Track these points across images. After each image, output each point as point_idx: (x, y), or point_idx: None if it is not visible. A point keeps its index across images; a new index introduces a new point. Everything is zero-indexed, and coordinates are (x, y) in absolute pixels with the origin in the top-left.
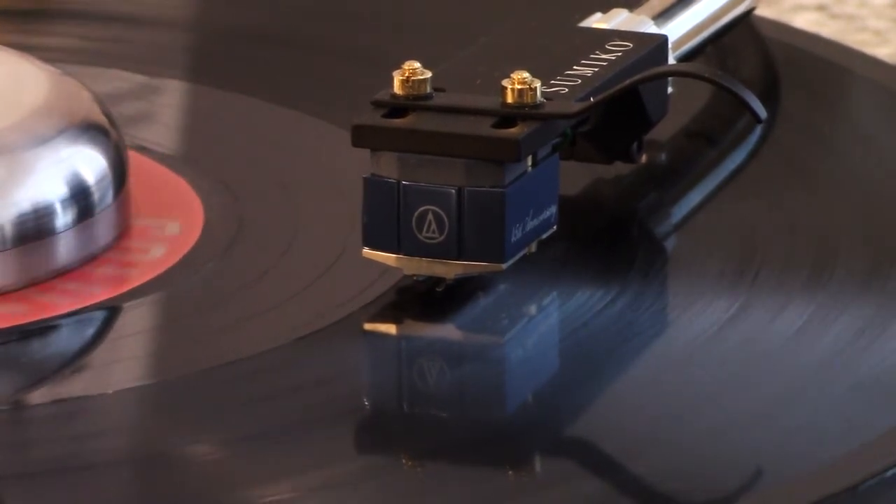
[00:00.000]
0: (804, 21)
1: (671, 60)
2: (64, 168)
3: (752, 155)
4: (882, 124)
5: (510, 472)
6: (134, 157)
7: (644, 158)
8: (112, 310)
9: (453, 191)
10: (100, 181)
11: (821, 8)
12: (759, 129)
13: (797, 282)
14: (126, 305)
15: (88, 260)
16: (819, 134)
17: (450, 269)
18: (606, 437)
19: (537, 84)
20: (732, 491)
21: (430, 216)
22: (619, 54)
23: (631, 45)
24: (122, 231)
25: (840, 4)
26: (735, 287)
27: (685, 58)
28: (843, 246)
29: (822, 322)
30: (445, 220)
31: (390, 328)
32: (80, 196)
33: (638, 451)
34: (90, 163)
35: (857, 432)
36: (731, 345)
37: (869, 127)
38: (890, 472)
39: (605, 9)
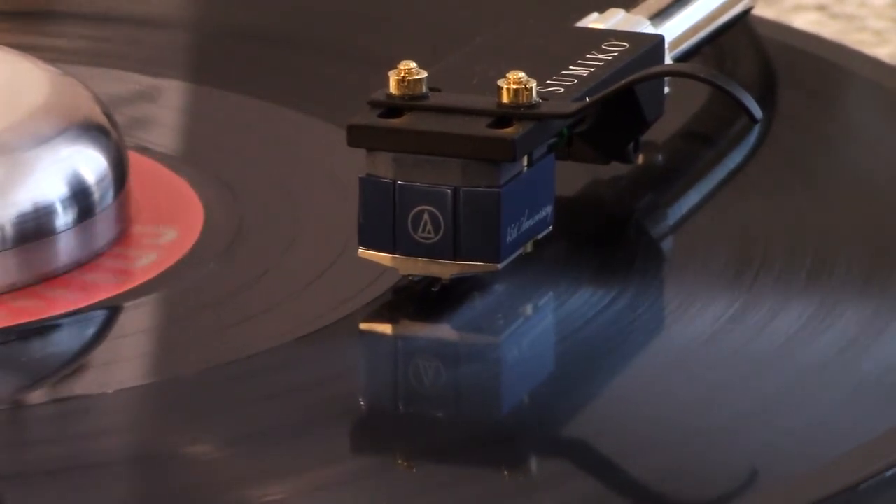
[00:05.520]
0: (804, 21)
1: (668, 60)
2: (64, 168)
3: (751, 155)
4: (882, 124)
5: (507, 473)
6: (134, 157)
7: (640, 158)
8: (112, 309)
9: (449, 191)
10: (100, 181)
11: (821, 8)
12: (757, 130)
13: (796, 282)
14: (126, 305)
15: (89, 260)
16: (818, 134)
17: (445, 269)
18: (604, 438)
19: (533, 84)
20: (732, 491)
21: (425, 216)
22: (616, 54)
23: (627, 45)
24: (123, 231)
25: (840, 4)
26: (734, 287)
27: (682, 58)
28: (842, 246)
29: (821, 322)
30: (441, 219)
31: (387, 328)
32: (81, 196)
33: (636, 451)
34: (90, 163)
35: (857, 432)
36: (729, 345)
37: (868, 127)
38: (890, 473)
39: (601, 9)
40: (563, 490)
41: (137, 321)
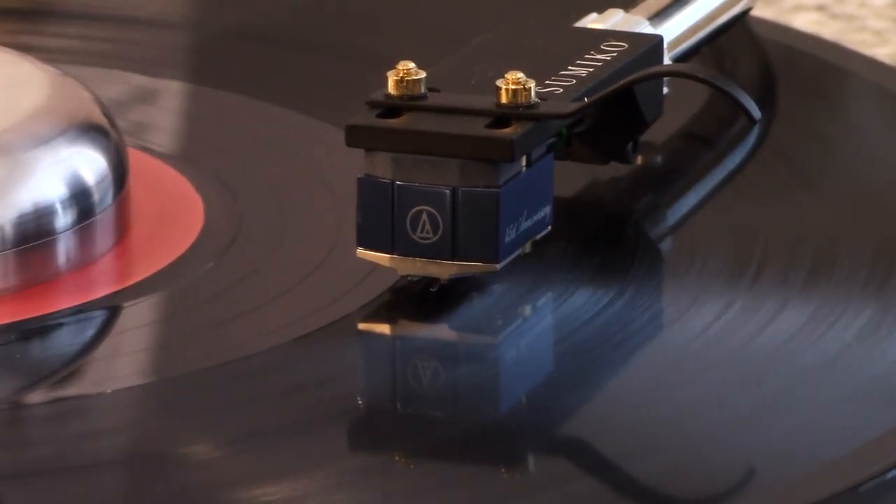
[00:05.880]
0: (804, 21)
1: (667, 61)
2: (64, 169)
3: (750, 155)
4: (882, 124)
5: (505, 473)
6: (134, 158)
7: (639, 159)
8: (111, 310)
9: (447, 191)
10: (100, 182)
11: (821, 8)
12: (756, 130)
13: (796, 282)
14: (125, 305)
15: (88, 260)
16: (817, 134)
17: (444, 270)
18: (603, 438)
19: (531, 84)
20: (731, 491)
21: (424, 216)
22: (615, 55)
23: (626, 46)
24: (123, 231)
25: (840, 4)
26: (733, 288)
27: (681, 58)
28: (842, 247)
29: (821, 323)
30: (439, 220)
31: (385, 329)
32: (81, 197)
33: (635, 452)
34: (90, 163)
35: (858, 433)
36: (729, 346)
37: (868, 127)
38: (890, 474)
39: (600, 9)
40: (562, 490)
41: (137, 321)
